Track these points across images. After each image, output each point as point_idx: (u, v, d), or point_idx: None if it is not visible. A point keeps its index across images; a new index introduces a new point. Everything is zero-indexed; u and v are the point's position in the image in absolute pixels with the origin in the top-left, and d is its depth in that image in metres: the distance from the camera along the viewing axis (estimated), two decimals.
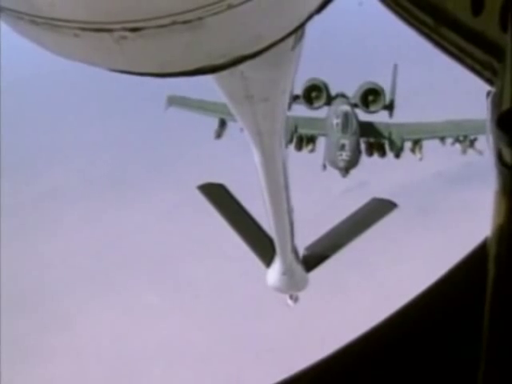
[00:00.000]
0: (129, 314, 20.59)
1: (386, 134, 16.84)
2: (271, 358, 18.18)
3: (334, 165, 16.35)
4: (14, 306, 19.86)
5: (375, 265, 20.57)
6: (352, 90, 17.15)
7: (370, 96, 16.75)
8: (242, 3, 1.19)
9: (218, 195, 10.15)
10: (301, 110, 16.19)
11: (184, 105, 17.69)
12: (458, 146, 16.56)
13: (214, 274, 20.28)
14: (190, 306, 20.41)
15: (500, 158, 1.92)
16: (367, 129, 16.92)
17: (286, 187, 4.59)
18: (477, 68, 2.09)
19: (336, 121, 16.59)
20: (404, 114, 17.08)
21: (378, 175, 19.06)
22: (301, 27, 1.53)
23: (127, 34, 1.18)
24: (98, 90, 22.23)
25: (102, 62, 1.35)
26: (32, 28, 1.18)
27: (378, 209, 10.80)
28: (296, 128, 16.35)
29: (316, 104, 16.89)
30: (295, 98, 15.63)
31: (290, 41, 1.79)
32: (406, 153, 16.83)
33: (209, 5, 1.16)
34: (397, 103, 17.03)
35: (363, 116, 17.07)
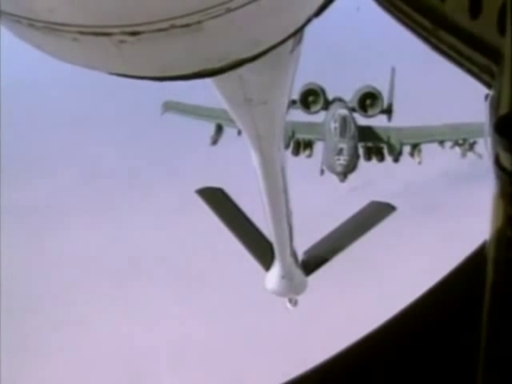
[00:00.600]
0: (135, 312, 20.69)
1: (384, 138, 16.74)
2: (277, 356, 18.33)
3: (332, 169, 16.24)
4: (22, 305, 20.26)
5: (379, 263, 20.59)
6: (351, 94, 17.14)
7: (368, 100, 16.75)
8: (240, 7, 1.19)
9: (217, 199, 10.15)
10: (298, 115, 16.14)
11: (180, 110, 17.60)
12: (457, 149, 16.55)
13: (223, 272, 20.32)
14: (197, 305, 20.51)
15: (498, 162, 1.92)
16: (365, 133, 16.81)
17: (285, 190, 4.59)
18: (475, 71, 2.09)
19: (334, 125, 16.51)
20: (402, 118, 17.01)
21: (383, 173, 18.88)
22: (299, 30, 1.54)
23: (126, 37, 1.18)
24: (99, 95, 22.26)
25: (101, 66, 1.35)
26: (31, 32, 1.18)
27: (377, 212, 10.80)
28: (293, 133, 16.23)
29: (313, 109, 16.86)
30: (292, 103, 15.61)
31: (289, 44, 1.79)
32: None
33: (207, 8, 1.16)
34: (395, 107, 17.01)
35: (361, 120, 17.02)
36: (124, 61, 1.28)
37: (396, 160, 16.81)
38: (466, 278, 2.35)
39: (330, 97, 17.15)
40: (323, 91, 16.94)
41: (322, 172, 16.61)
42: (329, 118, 16.85)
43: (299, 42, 1.95)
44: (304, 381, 2.51)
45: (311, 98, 16.72)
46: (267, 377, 16.63)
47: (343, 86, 17.48)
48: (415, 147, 16.73)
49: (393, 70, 17.43)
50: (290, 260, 7.93)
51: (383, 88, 16.91)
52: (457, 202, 20.87)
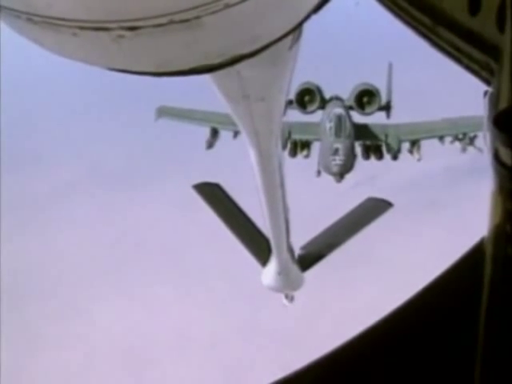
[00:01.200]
0: (140, 303, 21.05)
1: (382, 135, 16.50)
2: (278, 347, 18.68)
3: (328, 170, 15.96)
4: (27, 295, 20.73)
5: (377, 259, 20.68)
6: (349, 91, 17.04)
7: (365, 97, 16.49)
8: (239, 2, 1.19)
9: (214, 194, 10.15)
10: (295, 116, 15.98)
11: (174, 115, 17.36)
12: (457, 144, 16.44)
13: (225, 264, 20.44)
14: (200, 296, 20.81)
15: (497, 157, 1.92)
16: (363, 131, 16.60)
17: (282, 186, 4.60)
18: (474, 68, 2.09)
19: (329, 124, 16.26)
20: (400, 115, 16.88)
21: (386, 168, 18.83)
22: (298, 27, 1.53)
23: (125, 32, 1.18)
24: (101, 90, 22.38)
25: (99, 61, 1.35)
26: (30, 27, 1.18)
27: (374, 208, 10.82)
28: (290, 133, 16.03)
29: (309, 108, 16.62)
30: (288, 103, 15.51)
31: (288, 40, 1.79)
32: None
33: (206, 4, 1.16)
34: (392, 103, 16.90)
35: (360, 118, 16.80)
36: (122, 56, 1.28)
37: (395, 158, 16.55)
38: (464, 274, 2.35)
39: (328, 95, 16.92)
40: (319, 90, 16.72)
41: (319, 173, 16.35)
42: (325, 117, 16.64)
43: (298, 38, 1.95)
44: (300, 377, 2.51)
45: (307, 97, 16.47)
46: (275, 364, 16.96)
47: (343, 84, 17.38)
48: (414, 144, 16.51)
49: (390, 66, 17.30)
50: (286, 256, 7.95)
51: (383, 85, 16.77)
52: (460, 195, 20.86)
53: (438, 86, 21.33)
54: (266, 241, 7.56)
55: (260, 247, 8.76)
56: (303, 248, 9.62)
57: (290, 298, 11.49)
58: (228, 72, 1.69)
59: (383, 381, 2.50)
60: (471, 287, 2.22)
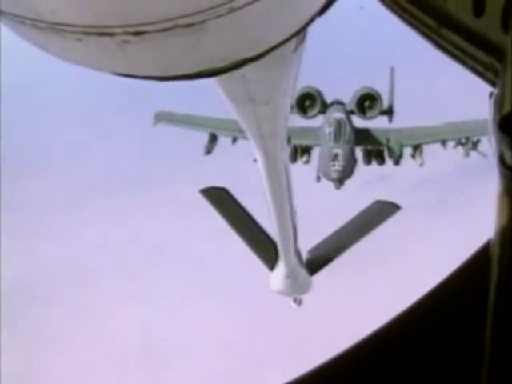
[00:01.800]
0: (153, 303, 21.38)
1: (383, 140, 16.27)
2: (291, 347, 18.96)
3: (327, 176, 15.74)
4: (42, 295, 21.15)
5: (394, 254, 20.64)
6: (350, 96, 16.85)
7: (367, 102, 16.33)
8: (244, 6, 1.19)
9: (221, 199, 10.14)
10: (295, 120, 15.84)
11: (172, 121, 17.31)
12: (460, 148, 16.15)
13: (238, 265, 20.53)
14: (213, 296, 21.06)
15: (502, 160, 1.91)
16: (364, 136, 16.36)
17: (289, 189, 4.59)
18: (479, 69, 2.09)
19: (328, 129, 16.06)
20: (403, 119, 16.69)
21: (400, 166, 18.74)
22: (303, 30, 1.54)
23: (130, 37, 1.18)
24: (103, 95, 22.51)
25: (104, 66, 1.35)
26: (35, 32, 1.18)
27: (381, 211, 10.78)
28: (289, 139, 15.91)
29: (310, 113, 16.47)
30: None
31: (292, 43, 1.79)
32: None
33: (211, 8, 1.16)
34: (394, 108, 16.66)
35: (361, 123, 16.59)
36: (127, 61, 1.28)
37: (397, 163, 16.38)
38: (471, 275, 2.35)
39: (330, 99, 16.76)
40: (320, 94, 16.55)
41: (319, 179, 16.11)
42: (325, 122, 16.45)
43: (302, 41, 1.95)
44: (306, 381, 2.51)
45: (308, 101, 16.33)
46: (279, 364, 17.33)
47: (343, 88, 17.26)
48: (416, 148, 16.29)
49: (392, 70, 17.11)
50: (294, 259, 7.93)
51: (385, 89, 16.62)
52: (472, 194, 20.70)
53: (440, 91, 21.23)
54: (274, 245, 7.55)
55: (268, 251, 8.74)
56: (311, 251, 9.60)
57: (298, 302, 11.46)
58: (233, 75, 1.70)
59: (390, 382, 2.49)
60: (478, 289, 2.21)
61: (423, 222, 20.84)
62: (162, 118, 17.30)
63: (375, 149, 16.40)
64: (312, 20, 1.49)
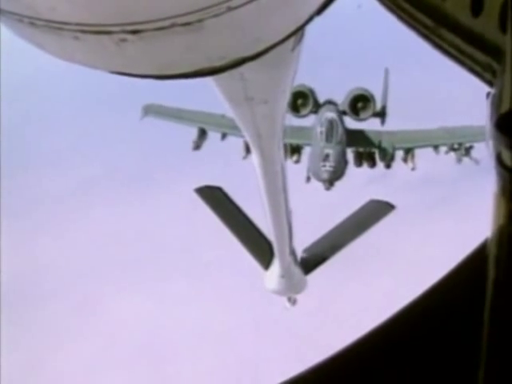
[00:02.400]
0: (156, 298, 21.65)
1: (375, 142, 16.03)
2: (291, 342, 19.21)
3: (317, 176, 15.52)
4: (46, 290, 21.45)
5: (395, 251, 20.71)
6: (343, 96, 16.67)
7: (360, 103, 16.09)
8: (241, 5, 1.19)
9: (216, 198, 10.13)
10: (287, 119, 15.84)
11: (161, 114, 17.02)
12: (452, 154, 15.80)
13: (239, 260, 20.66)
14: (215, 292, 21.28)
15: (499, 160, 1.91)
16: (356, 137, 16.12)
17: (285, 189, 4.59)
18: (477, 70, 2.09)
19: (320, 129, 15.83)
20: (395, 122, 16.52)
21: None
22: (301, 29, 1.53)
23: (127, 36, 1.18)
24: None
25: (101, 65, 1.35)
26: (32, 30, 1.18)
27: (376, 210, 10.79)
28: None
29: (302, 112, 16.23)
30: None
31: (290, 42, 1.79)
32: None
33: (208, 7, 1.16)
34: (388, 110, 16.44)
35: (354, 124, 16.36)
36: (125, 59, 1.28)
37: (388, 166, 16.17)
38: (468, 275, 2.35)
39: (322, 99, 16.54)
40: (313, 93, 16.34)
41: (308, 179, 15.87)
42: (316, 121, 16.25)
43: (300, 40, 1.95)
44: (302, 381, 2.51)
45: (300, 100, 16.07)
46: (280, 358, 17.65)
47: (337, 88, 17.12)
48: (408, 152, 16.03)
49: (386, 71, 16.94)
50: (289, 259, 7.93)
51: (377, 90, 16.46)
52: (473, 191, 20.70)
53: (435, 93, 21.22)
54: (269, 244, 7.55)
55: (262, 250, 8.74)
56: (306, 251, 9.61)
57: (293, 301, 11.45)
58: (231, 74, 1.69)
59: (387, 381, 2.50)
60: (475, 288, 2.22)
61: (420, 222, 20.89)
62: (150, 110, 17.02)
63: (366, 151, 16.19)
64: (310, 19, 1.49)
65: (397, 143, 16.03)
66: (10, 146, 18.62)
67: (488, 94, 2.01)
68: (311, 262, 9.55)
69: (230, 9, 1.18)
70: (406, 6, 2.04)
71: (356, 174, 16.54)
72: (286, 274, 8.41)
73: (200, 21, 1.18)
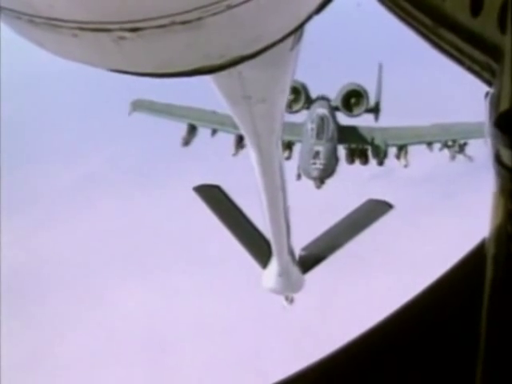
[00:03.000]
0: (158, 291, 21.91)
1: (368, 139, 15.77)
2: (292, 336, 19.33)
3: (307, 174, 15.21)
4: (47, 283, 21.79)
5: (397, 248, 20.73)
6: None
7: (353, 98, 15.85)
8: (241, 4, 1.19)
9: (214, 197, 10.12)
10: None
11: (150, 109, 16.70)
12: (446, 151, 15.48)
13: (240, 254, 20.71)
14: (216, 284, 21.45)
15: (498, 158, 1.91)
16: (348, 134, 15.86)
17: (283, 188, 4.58)
18: (476, 69, 2.09)
19: (311, 125, 15.59)
20: (389, 118, 16.27)
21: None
22: (300, 28, 1.53)
23: (126, 34, 1.17)
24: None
25: (100, 62, 1.35)
26: (31, 28, 1.18)
27: (374, 210, 10.78)
28: None
29: (294, 108, 15.93)
30: None
31: (289, 41, 1.78)
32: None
33: (208, 5, 1.16)
34: (381, 106, 16.10)
35: (347, 121, 16.09)
36: (123, 57, 1.28)
37: (381, 163, 15.88)
38: (466, 274, 2.35)
39: (314, 95, 16.27)
40: (305, 89, 16.08)
41: (299, 176, 15.51)
42: (308, 118, 15.99)
43: (299, 39, 1.95)
44: (302, 378, 2.50)
45: (292, 96, 15.57)
46: (280, 351, 17.84)
47: (331, 84, 16.95)
48: (401, 149, 15.76)
49: (380, 67, 16.75)
50: (287, 258, 7.93)
51: (371, 85, 16.27)
52: (477, 188, 20.65)
53: (430, 90, 21.16)
54: (267, 243, 7.55)
55: (260, 249, 8.74)
56: (304, 250, 9.60)
57: (290, 300, 11.45)
58: (229, 73, 1.69)
59: (385, 380, 2.50)
60: (473, 287, 2.22)
61: (419, 221, 20.91)
62: (138, 106, 16.75)
63: (359, 148, 15.94)
64: (309, 18, 1.49)
65: (390, 140, 15.79)
66: (10, 142, 18.68)
67: (487, 94, 2.01)
68: (309, 260, 9.54)
69: (229, 7, 1.18)
70: (406, 5, 2.04)
71: (349, 171, 16.39)
72: (283, 273, 8.41)
73: (199, 19, 1.18)
